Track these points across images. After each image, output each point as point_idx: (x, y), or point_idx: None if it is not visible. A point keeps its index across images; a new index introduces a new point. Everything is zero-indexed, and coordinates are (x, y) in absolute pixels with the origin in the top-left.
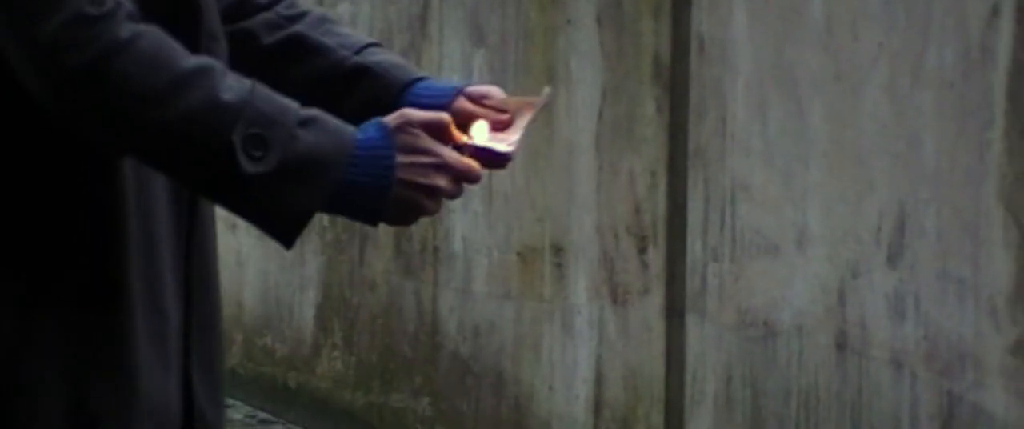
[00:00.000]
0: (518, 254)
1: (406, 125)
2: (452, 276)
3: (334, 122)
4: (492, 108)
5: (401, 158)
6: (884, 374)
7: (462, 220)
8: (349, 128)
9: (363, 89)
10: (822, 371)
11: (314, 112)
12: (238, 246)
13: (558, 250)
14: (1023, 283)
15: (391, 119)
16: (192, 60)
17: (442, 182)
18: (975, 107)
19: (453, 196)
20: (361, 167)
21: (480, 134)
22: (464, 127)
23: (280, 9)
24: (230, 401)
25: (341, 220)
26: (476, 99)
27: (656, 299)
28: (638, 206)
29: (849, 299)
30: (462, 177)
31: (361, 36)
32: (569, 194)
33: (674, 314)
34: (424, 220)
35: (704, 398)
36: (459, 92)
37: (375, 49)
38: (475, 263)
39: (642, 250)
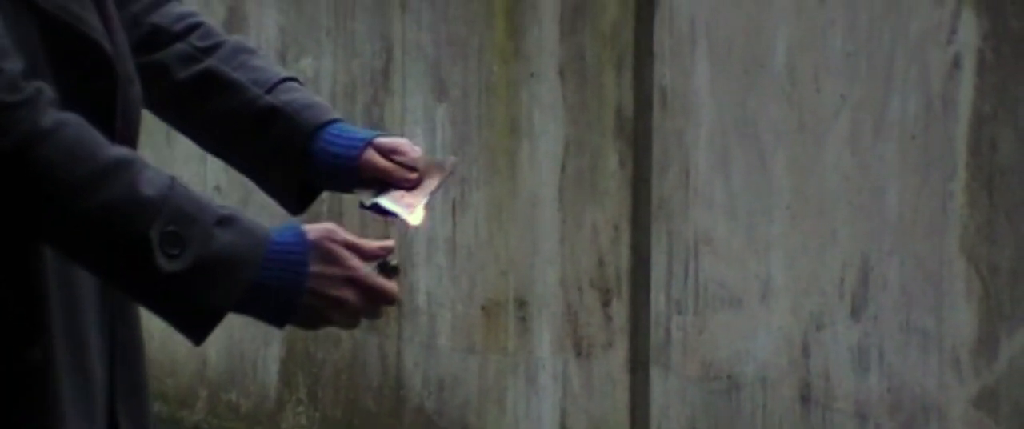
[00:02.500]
0: (482, 308)
1: (328, 238)
2: (416, 330)
3: (250, 223)
4: (402, 165)
5: (315, 267)
6: (848, 426)
7: (426, 274)
8: (265, 229)
9: (274, 131)
10: (786, 423)
11: (231, 211)
12: None
13: (522, 303)
14: (986, 334)
15: (315, 228)
16: (114, 151)
17: (352, 297)
18: (937, 158)
19: (367, 315)
20: (273, 270)
21: (388, 200)
22: (371, 181)
23: (194, 40)
24: None
25: None
26: (386, 152)
27: (620, 352)
28: (602, 259)
29: (813, 351)
30: (375, 297)
31: (276, 70)
32: (532, 247)
33: (638, 367)
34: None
35: None
36: (369, 144)
37: (289, 86)
38: (439, 317)
39: (606, 303)
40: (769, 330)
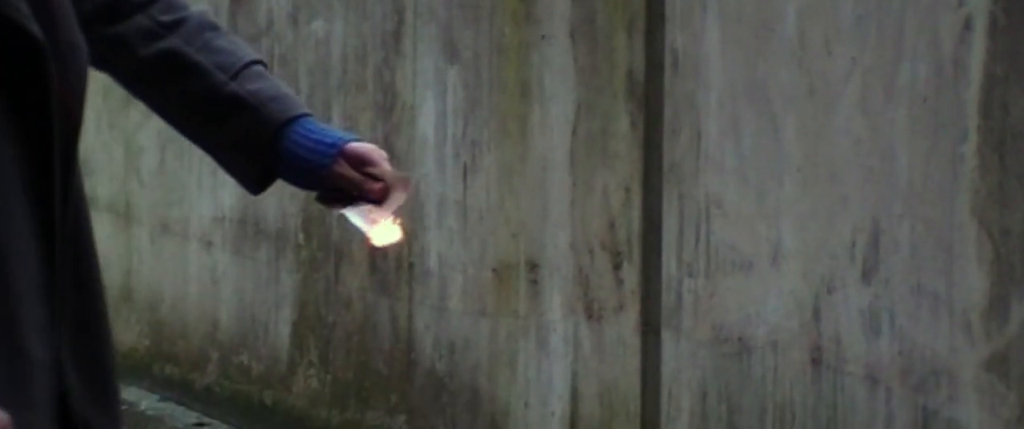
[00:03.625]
0: (493, 271)
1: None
2: (427, 293)
3: None
4: (369, 176)
5: None
6: (859, 389)
7: (437, 237)
8: None
9: (238, 120)
10: (797, 387)
11: None
12: (213, 264)
13: (533, 267)
14: (996, 298)
15: None
16: None
17: None
18: (948, 122)
19: None
20: None
21: (355, 214)
22: (340, 193)
23: (157, 13)
24: (207, 420)
25: (316, 237)
26: (355, 163)
27: (631, 315)
28: (613, 222)
29: (824, 315)
30: None
31: (241, 53)
32: (544, 210)
33: (649, 330)
34: None
35: (679, 414)
36: (339, 153)
37: (255, 71)
38: (450, 280)
39: (617, 266)
40: (780, 293)
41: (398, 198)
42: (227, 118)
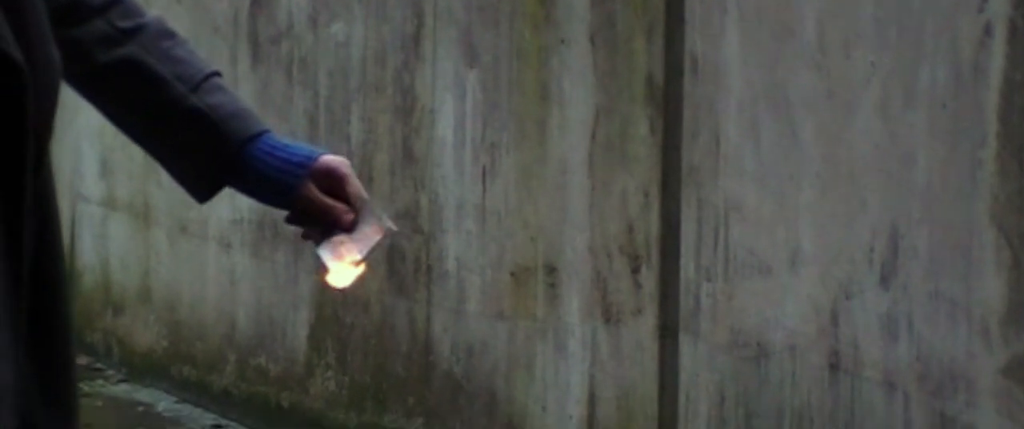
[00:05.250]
0: (511, 274)
1: None
2: (445, 296)
3: None
4: (338, 198)
5: None
6: (877, 394)
7: (455, 240)
8: None
9: (197, 135)
10: (815, 391)
11: None
12: (231, 266)
13: (551, 270)
14: (1015, 303)
15: None
16: None
17: None
18: (967, 126)
19: None
20: None
21: (324, 250)
22: (308, 218)
23: (115, 18)
24: (224, 421)
25: None
26: (323, 178)
27: (649, 319)
28: (631, 226)
29: (842, 319)
30: None
31: (200, 64)
32: (562, 214)
33: (667, 334)
34: (417, 239)
35: (697, 418)
36: (308, 175)
37: (214, 83)
38: (468, 283)
39: (635, 270)
40: (798, 298)
41: (369, 237)
42: (185, 131)
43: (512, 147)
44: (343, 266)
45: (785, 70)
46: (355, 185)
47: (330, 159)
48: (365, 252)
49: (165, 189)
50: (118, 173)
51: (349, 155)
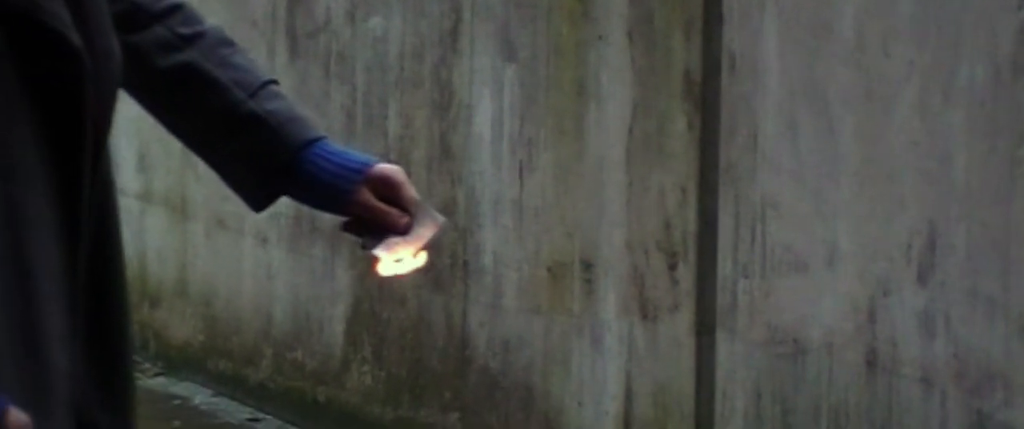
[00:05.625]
0: (548, 269)
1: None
2: (482, 291)
3: None
4: (393, 204)
5: None
6: (914, 392)
7: (492, 235)
8: None
9: (255, 140)
10: (852, 389)
11: None
12: (268, 260)
13: (588, 265)
14: None
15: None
16: None
17: None
18: (1006, 125)
19: None
20: None
21: (382, 248)
22: (363, 224)
23: (175, 24)
24: (260, 415)
25: None
26: (379, 186)
27: (686, 315)
28: (668, 222)
29: (879, 317)
30: None
31: (258, 72)
32: (599, 210)
33: (704, 330)
34: (453, 234)
35: (733, 415)
36: (363, 180)
37: (271, 91)
38: (505, 278)
39: (672, 266)
40: (835, 295)
41: (425, 233)
42: (243, 136)
43: (549, 143)
44: (395, 258)
45: (823, 67)
46: (410, 190)
47: (385, 166)
48: (421, 244)
49: (202, 183)
50: (156, 167)
51: (386, 150)
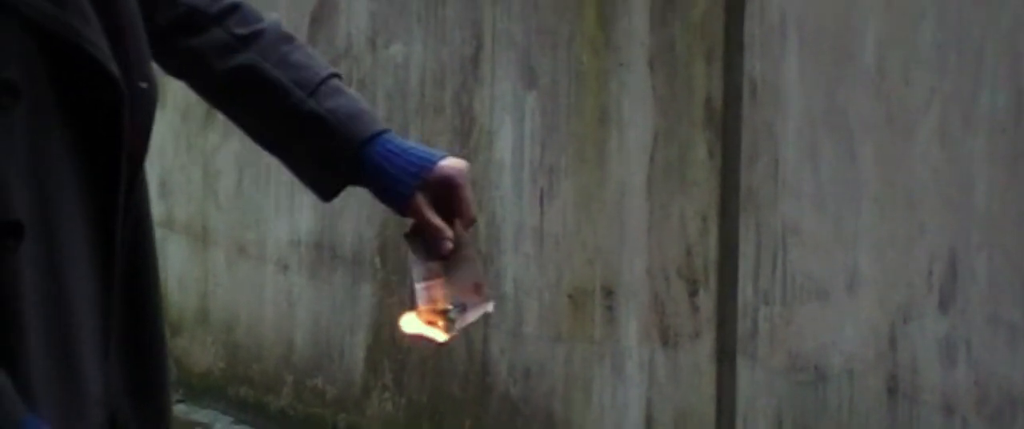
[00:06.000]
0: (569, 296)
1: None
2: (503, 318)
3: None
4: (451, 208)
5: None
6: (935, 419)
7: (513, 262)
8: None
9: (316, 139)
10: (873, 416)
11: None
12: (289, 287)
13: (609, 292)
14: None
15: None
16: None
17: None
18: None
19: None
20: None
21: (420, 285)
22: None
23: (232, 25)
24: None
25: (392, 261)
26: (437, 186)
27: (707, 342)
28: (689, 249)
29: (900, 343)
30: None
31: (318, 67)
32: (620, 236)
33: (725, 357)
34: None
35: None
36: (422, 183)
37: (333, 86)
38: (526, 305)
39: (693, 293)
40: (856, 322)
41: (461, 285)
42: (305, 135)
43: (570, 170)
44: (422, 315)
45: (844, 94)
46: (466, 198)
47: (447, 165)
48: (457, 324)
49: (223, 210)
50: (177, 194)
51: None
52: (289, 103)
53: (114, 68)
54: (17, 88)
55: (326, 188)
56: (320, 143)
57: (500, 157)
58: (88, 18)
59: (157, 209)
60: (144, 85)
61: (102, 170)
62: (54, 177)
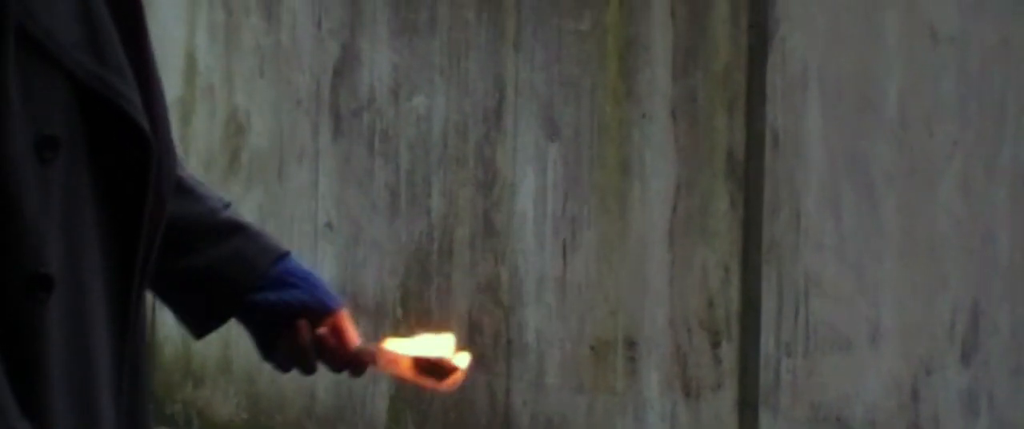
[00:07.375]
0: (591, 347)
1: None
2: (525, 369)
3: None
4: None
5: None
6: None
7: (535, 313)
8: None
9: (234, 245)
10: None
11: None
12: None
13: (631, 344)
14: None
15: None
16: None
17: None
18: None
19: None
20: None
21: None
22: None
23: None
24: None
25: (414, 312)
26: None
27: (729, 393)
28: (711, 300)
29: (922, 395)
30: None
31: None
32: (642, 287)
33: (747, 408)
34: (497, 312)
35: None
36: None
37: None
38: (548, 356)
39: (715, 344)
40: (878, 373)
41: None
42: (225, 241)
43: (593, 221)
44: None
45: (866, 145)
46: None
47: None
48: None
49: None
50: None
51: (429, 228)
52: (208, 209)
53: (146, 124)
54: (58, 142)
55: (208, 313)
56: (240, 251)
57: (522, 208)
58: (126, 76)
59: None
60: (168, 146)
61: (125, 226)
62: (82, 230)
